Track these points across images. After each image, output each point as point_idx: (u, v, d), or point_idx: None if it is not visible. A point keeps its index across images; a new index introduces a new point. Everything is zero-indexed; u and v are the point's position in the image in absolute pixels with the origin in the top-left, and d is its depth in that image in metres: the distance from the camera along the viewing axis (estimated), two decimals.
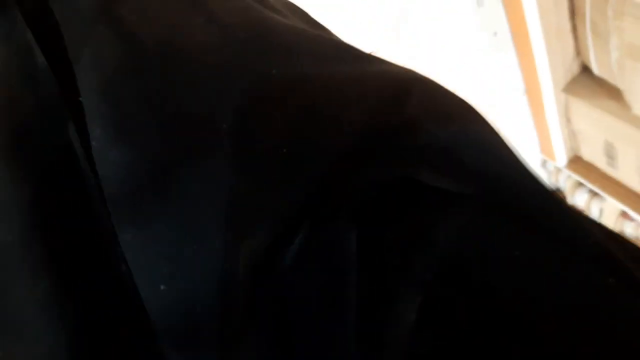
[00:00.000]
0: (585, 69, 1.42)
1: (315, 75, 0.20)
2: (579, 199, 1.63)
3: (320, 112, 0.19)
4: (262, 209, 0.18)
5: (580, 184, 1.63)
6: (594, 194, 1.61)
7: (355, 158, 0.18)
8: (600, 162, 1.53)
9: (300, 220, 0.18)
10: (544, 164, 1.72)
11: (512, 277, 0.18)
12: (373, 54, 0.24)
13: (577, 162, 1.61)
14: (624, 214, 1.56)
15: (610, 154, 1.45)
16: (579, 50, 1.37)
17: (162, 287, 0.18)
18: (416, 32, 1.21)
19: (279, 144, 0.18)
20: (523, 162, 0.19)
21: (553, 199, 0.18)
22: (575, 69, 1.42)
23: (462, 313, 0.17)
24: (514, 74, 1.47)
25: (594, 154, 1.54)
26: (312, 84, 0.20)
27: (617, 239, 0.19)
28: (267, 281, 0.18)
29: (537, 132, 1.60)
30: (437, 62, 1.28)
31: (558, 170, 1.68)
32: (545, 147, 1.62)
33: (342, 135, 0.18)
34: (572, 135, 1.55)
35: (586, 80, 1.41)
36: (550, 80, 1.41)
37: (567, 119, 1.51)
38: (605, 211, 1.59)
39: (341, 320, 0.17)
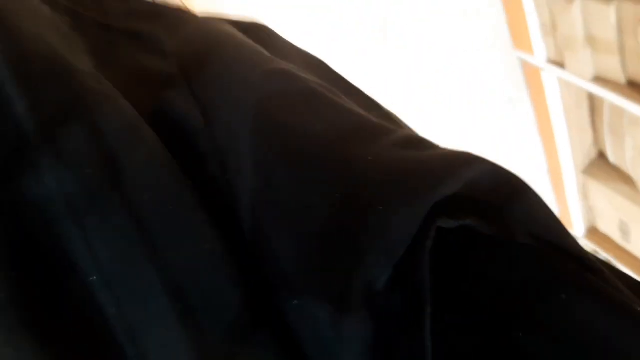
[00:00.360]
0: (602, 155, 1.56)
1: (399, 158, 0.25)
2: None
3: (405, 183, 0.23)
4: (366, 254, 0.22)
5: (596, 253, 1.76)
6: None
7: (431, 212, 0.22)
8: (615, 235, 1.66)
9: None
10: None
11: (559, 317, 0.21)
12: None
13: (593, 233, 1.74)
14: None
15: (624, 231, 1.58)
16: (596, 140, 1.52)
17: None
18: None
19: (371, 202, 0.23)
20: (562, 224, 0.24)
21: (587, 256, 0.23)
22: (593, 154, 1.57)
23: (513, 337, 0.21)
24: (539, 157, 1.64)
25: (609, 229, 1.67)
26: (399, 164, 0.25)
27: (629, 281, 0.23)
28: (368, 303, 0.21)
29: (558, 204, 1.74)
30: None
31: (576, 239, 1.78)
32: (565, 218, 1.75)
33: (420, 199, 0.22)
34: (589, 211, 1.69)
35: (603, 165, 1.55)
36: (571, 163, 1.56)
37: (584, 196, 1.65)
38: None
39: (422, 336, 0.20)
